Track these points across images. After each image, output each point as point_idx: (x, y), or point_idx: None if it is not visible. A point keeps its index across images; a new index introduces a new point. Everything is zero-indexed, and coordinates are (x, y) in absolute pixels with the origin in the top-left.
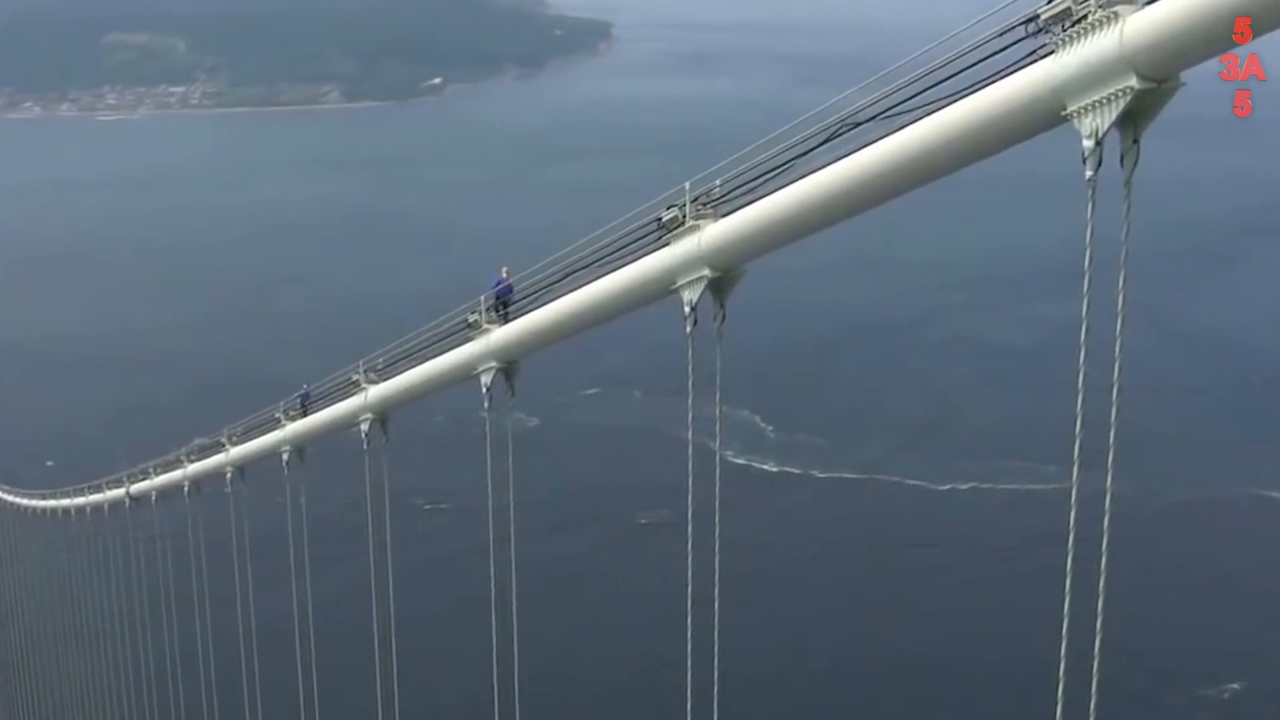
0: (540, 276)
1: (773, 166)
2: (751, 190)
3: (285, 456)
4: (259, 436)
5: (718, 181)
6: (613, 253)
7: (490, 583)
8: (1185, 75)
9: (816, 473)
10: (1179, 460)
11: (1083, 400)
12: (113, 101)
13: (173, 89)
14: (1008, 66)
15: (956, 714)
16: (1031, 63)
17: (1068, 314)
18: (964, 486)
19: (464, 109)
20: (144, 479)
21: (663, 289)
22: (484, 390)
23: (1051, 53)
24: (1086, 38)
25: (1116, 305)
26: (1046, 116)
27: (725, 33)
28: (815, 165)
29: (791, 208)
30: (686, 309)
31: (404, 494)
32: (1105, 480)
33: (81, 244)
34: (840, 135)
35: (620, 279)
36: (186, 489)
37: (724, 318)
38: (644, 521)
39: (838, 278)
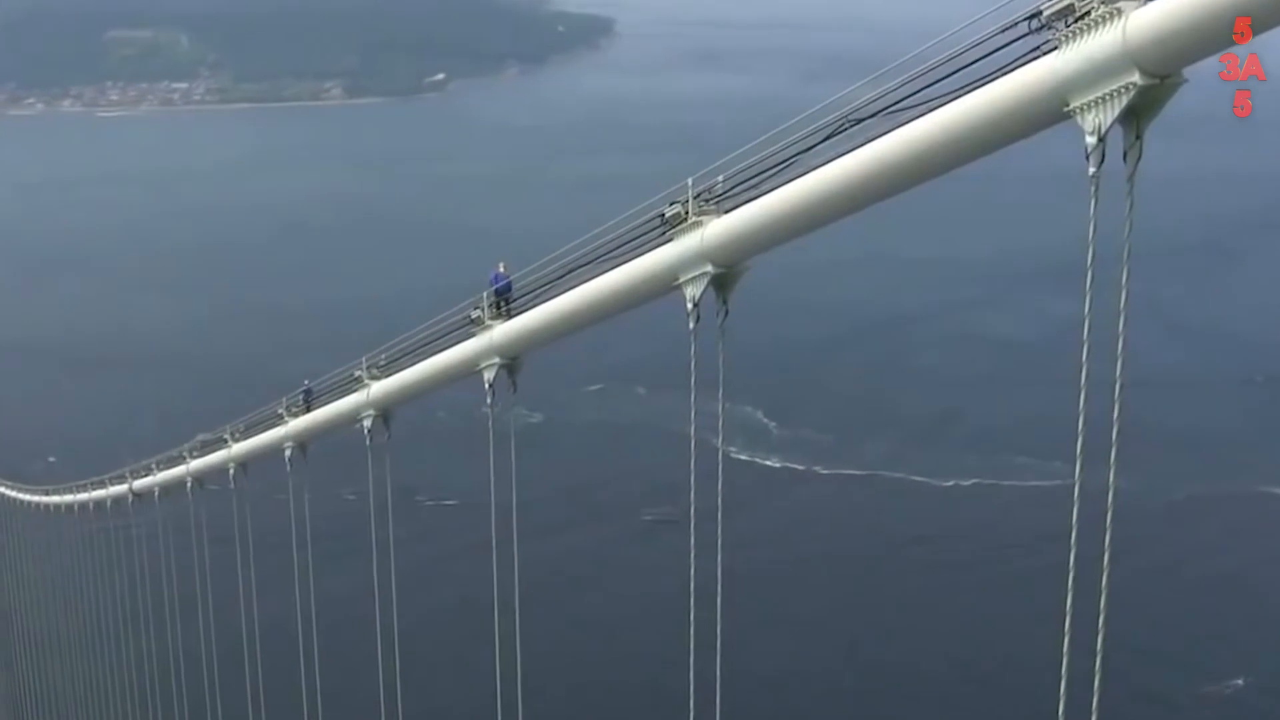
0: (543, 273)
1: (776, 162)
2: (754, 186)
3: (288, 452)
4: (262, 433)
5: (720, 178)
6: (615, 249)
7: (493, 580)
8: (1188, 71)
9: (820, 469)
10: (1183, 457)
11: (1085, 396)
12: (115, 97)
13: (175, 85)
14: (1011, 63)
15: (961, 711)
16: (1034, 59)
17: (1072, 310)
18: (967, 483)
19: (467, 105)
20: (147, 475)
21: (665, 285)
22: (487, 386)
23: (1054, 49)
24: (1089, 34)
25: (1120, 301)
26: (1049, 113)
27: (727, 29)
28: (818, 161)
29: (794, 204)
30: (689, 305)
31: (407, 490)
32: (1109, 477)
33: (83, 241)
34: (843, 131)
35: (623, 275)
36: (189, 485)
37: (727, 314)
38: (648, 518)
39: (841, 274)
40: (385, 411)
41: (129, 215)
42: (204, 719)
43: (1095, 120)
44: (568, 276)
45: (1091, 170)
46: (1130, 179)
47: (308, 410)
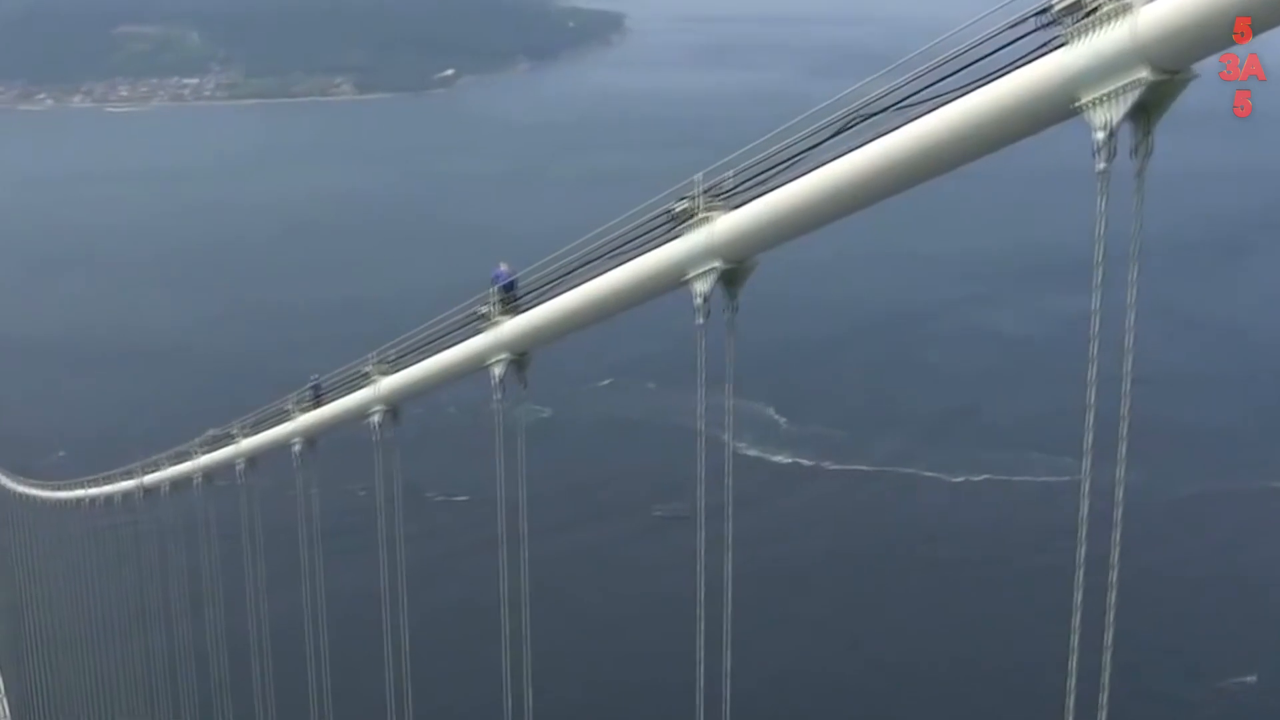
0: (552, 268)
1: (784, 158)
2: (763, 182)
3: (296, 448)
4: (270, 428)
5: (729, 173)
6: (624, 244)
7: (501, 576)
8: (1197, 67)
9: (830, 464)
10: (1192, 453)
11: (1094, 392)
12: (125, 93)
13: (186, 81)
14: (1020, 59)
15: (969, 709)
16: (1043, 55)
17: (1081, 306)
18: (978, 478)
19: (476, 101)
20: (156, 470)
21: (674, 281)
22: (495, 382)
23: (1063, 45)
24: (1098, 29)
25: (1128, 297)
26: (1059, 109)
27: (738, 24)
28: (827, 157)
29: (803, 200)
30: (698, 301)
31: (416, 486)
32: (1118, 473)
33: (93, 237)
34: (852, 127)
35: (632, 271)
36: (198, 480)
37: (736, 309)
38: (658, 514)
39: (849, 270)
40: (394, 407)
41: (139, 212)
42: (212, 714)
43: (1104, 116)
44: (577, 272)
45: (1100, 166)
46: (1139, 175)
47: (316, 406)
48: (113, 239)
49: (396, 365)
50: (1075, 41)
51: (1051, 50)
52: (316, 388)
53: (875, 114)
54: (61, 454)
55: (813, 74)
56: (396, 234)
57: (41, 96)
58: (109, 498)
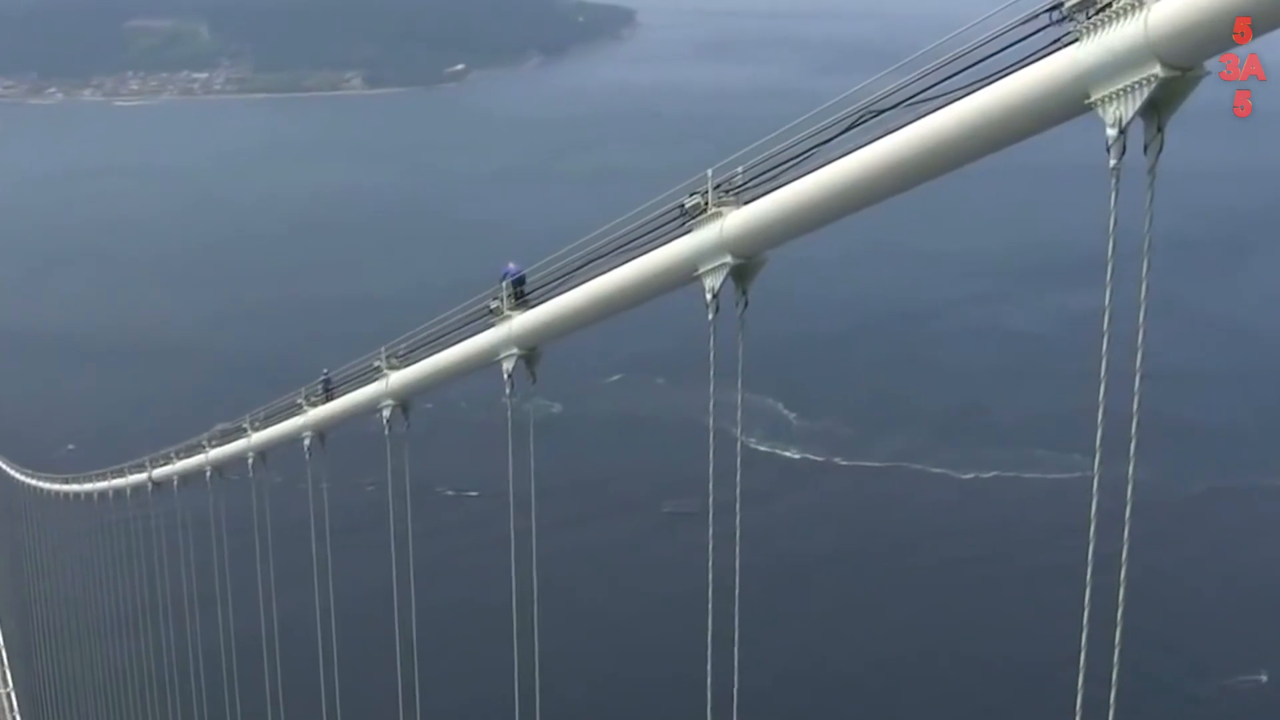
0: (562, 263)
1: (795, 154)
2: (774, 177)
3: (307, 442)
4: (280, 422)
5: (740, 169)
6: (635, 240)
7: (511, 571)
8: (1209, 64)
9: (840, 460)
10: (1202, 450)
11: (1105, 389)
12: (135, 87)
13: (196, 75)
14: (1031, 54)
15: (978, 705)
16: (1055, 51)
17: (1089, 303)
18: (987, 475)
19: (486, 96)
20: (166, 464)
21: (685, 276)
22: (505, 377)
23: (1075, 41)
24: (1110, 25)
25: (1139, 294)
26: (1070, 105)
27: (749, 20)
28: (838, 153)
29: (814, 195)
30: (709, 296)
31: (427, 480)
32: (1128, 470)
33: (103, 232)
34: (863, 123)
35: (642, 266)
36: (208, 474)
37: (746, 305)
38: (667, 509)
39: (860, 266)
40: (404, 401)
41: (149, 206)
42: (222, 710)
43: (1116, 113)
44: (587, 267)
45: (1112, 163)
46: (1151, 172)
47: (327, 400)
48: (123, 233)
49: (406, 360)
50: (1087, 38)
51: (1063, 46)
52: (327, 382)
53: (886, 110)
54: (70, 448)
55: (823, 70)
56: (406, 229)
57: (51, 90)
58: (118, 492)
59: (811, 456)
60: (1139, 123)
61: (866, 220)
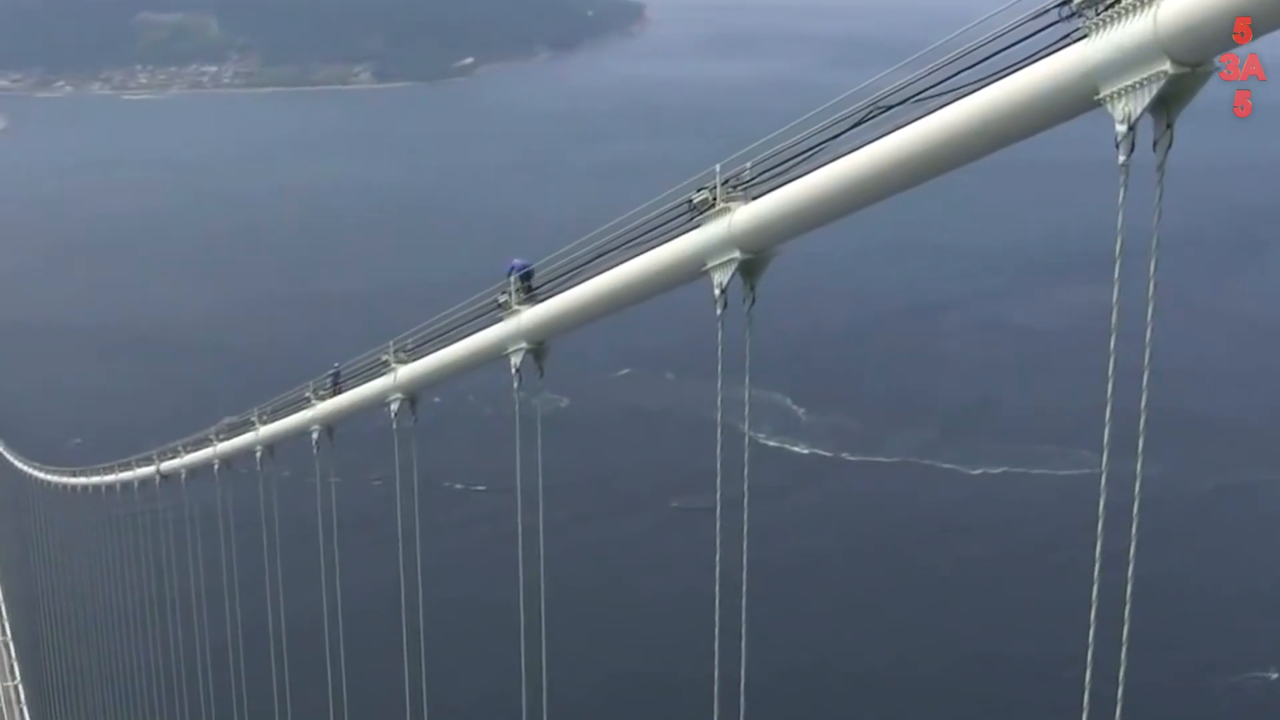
0: (570, 258)
1: (804, 149)
2: (782, 173)
3: (314, 436)
4: (288, 416)
5: (749, 164)
6: (643, 234)
7: (519, 566)
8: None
9: (848, 456)
10: (1212, 446)
11: (1113, 386)
12: (144, 80)
13: (204, 68)
14: (1040, 50)
15: (987, 701)
16: (1064, 47)
17: (1100, 299)
18: (996, 471)
19: (495, 90)
20: (174, 457)
21: (693, 271)
22: (513, 371)
23: (1085, 37)
24: (1120, 21)
25: (1148, 290)
26: (1079, 101)
27: (759, 14)
28: (847, 148)
29: (823, 190)
30: (716, 291)
31: (434, 475)
32: (1136, 466)
33: (111, 225)
34: (872, 118)
35: (650, 261)
36: (216, 467)
37: (754, 300)
38: (675, 504)
39: (869, 262)
40: (412, 395)
41: (157, 199)
42: (229, 704)
43: (1125, 109)
44: (594, 262)
45: (1121, 159)
46: (1160, 168)
47: (335, 393)
48: (132, 227)
49: (414, 354)
50: (1096, 34)
51: (1073, 43)
52: (336, 375)
53: (894, 105)
54: (78, 441)
55: (832, 65)
56: (415, 223)
57: (60, 84)
58: (125, 485)
59: (820, 452)
60: (1148, 119)
61: (875, 216)
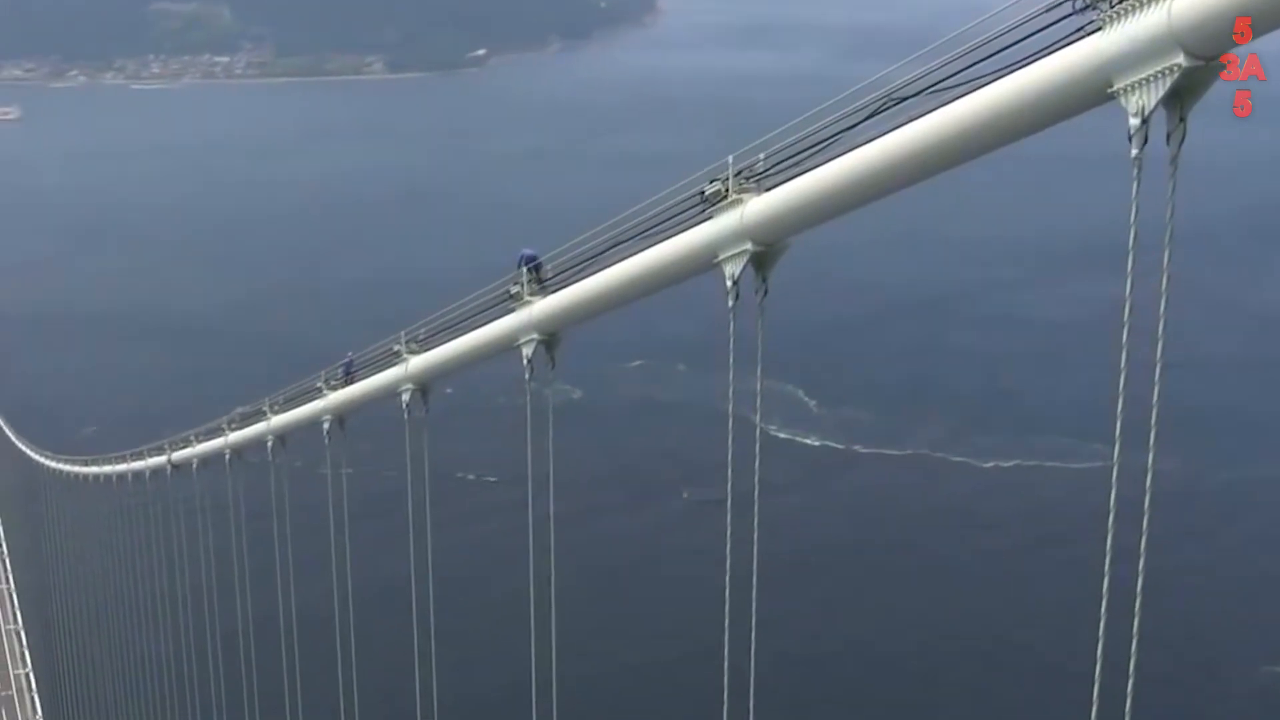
0: (583, 249)
1: (817, 141)
2: (795, 164)
3: (326, 426)
4: (300, 405)
5: (761, 155)
6: (655, 226)
7: (529, 557)
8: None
9: (860, 448)
10: (1227, 439)
11: (1125, 379)
12: (157, 70)
13: (218, 58)
14: (1054, 43)
15: (997, 695)
16: (1078, 40)
17: (1116, 292)
18: (1008, 464)
19: (508, 81)
20: (185, 446)
21: (705, 263)
22: (525, 362)
23: (1098, 30)
24: (1134, 14)
25: (1161, 283)
26: (1093, 94)
27: (772, 4)
28: (860, 140)
29: (835, 182)
30: (729, 283)
31: (446, 465)
32: (1149, 459)
33: (124, 214)
34: (885, 110)
35: (662, 252)
36: (227, 457)
37: (766, 292)
38: (687, 496)
39: (881, 254)
40: (424, 386)
41: (171, 189)
42: (240, 694)
43: (1139, 102)
44: (607, 253)
45: (1134, 152)
46: (1173, 161)
47: (348, 383)
48: (147, 216)
49: (426, 344)
50: (1110, 27)
51: (1087, 35)
52: (348, 365)
53: (909, 97)
54: (92, 429)
55: (845, 56)
56: (428, 213)
57: (74, 73)
58: (137, 474)
59: (832, 444)
60: (1161, 112)
61: (888, 208)
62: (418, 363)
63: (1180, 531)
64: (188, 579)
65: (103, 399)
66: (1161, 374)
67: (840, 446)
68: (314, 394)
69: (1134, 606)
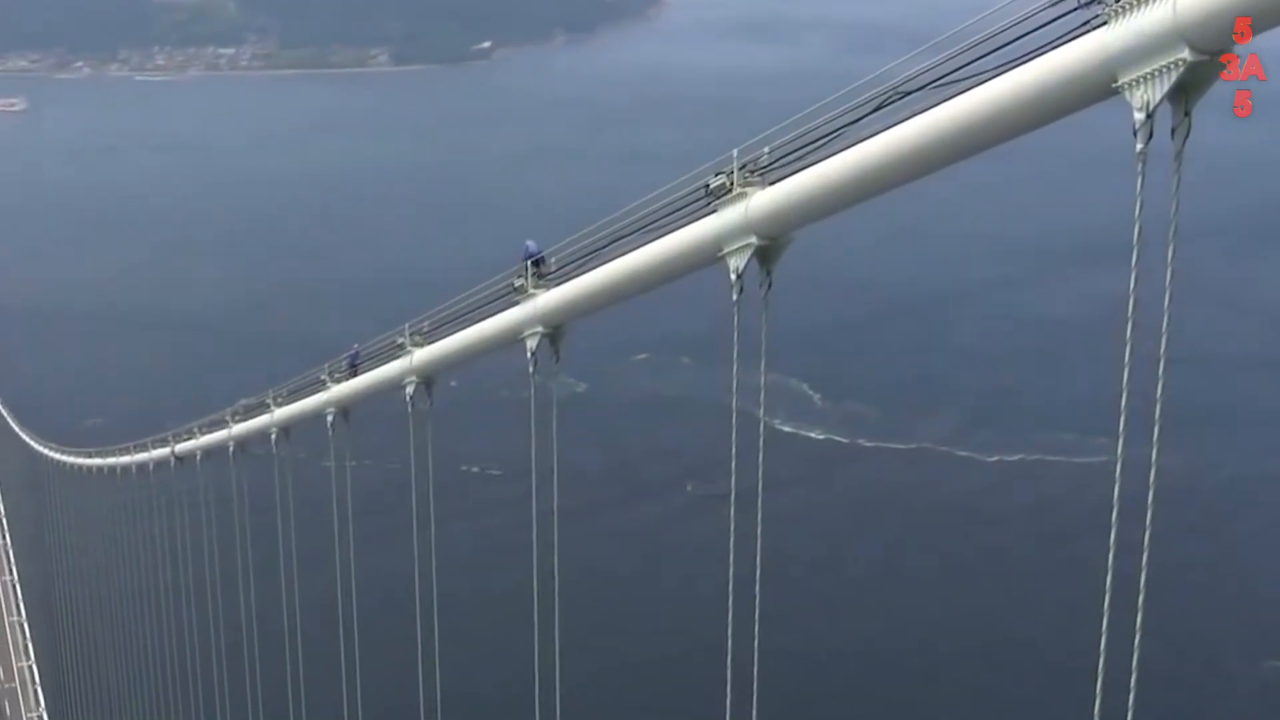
0: (587, 242)
1: (821, 135)
2: (800, 158)
3: (330, 418)
4: (304, 398)
5: (766, 149)
6: (659, 219)
7: (533, 551)
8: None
9: (864, 442)
10: (1230, 435)
11: (1129, 374)
12: (162, 62)
13: (222, 50)
14: (1059, 37)
15: (1002, 691)
16: (1083, 34)
17: (1120, 287)
18: (1012, 459)
19: (513, 74)
20: (189, 438)
21: (709, 256)
22: (529, 355)
23: (1104, 24)
24: (1139, 9)
25: (1165, 278)
26: (1098, 88)
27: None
28: (864, 134)
29: (839, 176)
30: (733, 277)
31: (450, 458)
32: (1152, 455)
33: (130, 206)
34: (890, 104)
35: (666, 246)
36: (231, 449)
37: (770, 286)
38: (690, 489)
39: (886, 248)
40: (428, 378)
41: (178, 181)
42: (243, 686)
43: (1143, 97)
44: (611, 246)
45: (1139, 147)
46: (1178, 156)
47: (353, 375)
48: (153, 208)
49: (430, 337)
50: (1115, 21)
51: (1091, 29)
52: (353, 357)
53: (913, 92)
54: (98, 421)
55: (850, 51)
56: (432, 206)
57: (79, 65)
58: (140, 466)
59: (836, 438)
60: (1166, 107)
61: (893, 202)
62: (422, 355)
63: (1183, 527)
64: (191, 571)
65: (106, 391)
66: (1165, 370)
67: (844, 441)
68: (318, 386)
69: (1137, 601)
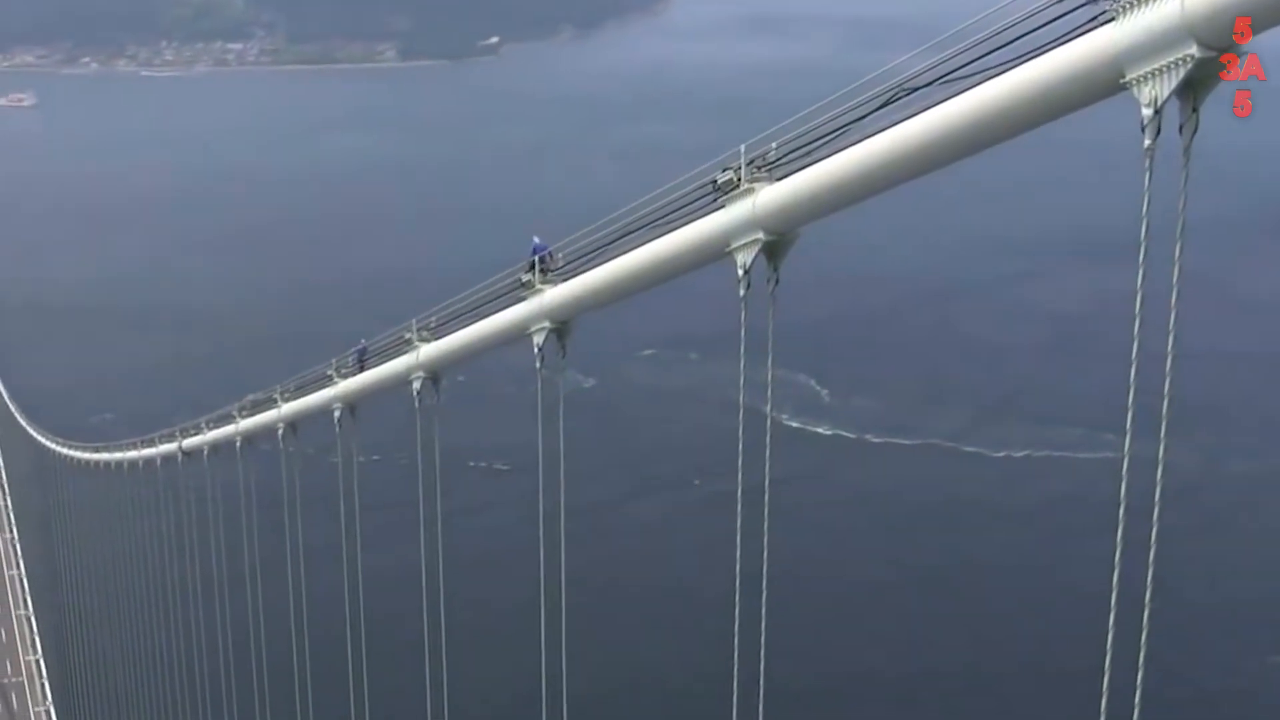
0: (595, 237)
1: (829, 130)
2: (807, 154)
3: (337, 414)
4: (311, 393)
5: (773, 144)
6: (667, 214)
7: (540, 545)
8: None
9: (871, 438)
10: (1238, 431)
11: (1137, 369)
12: (170, 57)
13: (230, 46)
14: (1067, 33)
15: (1005, 688)
16: (1091, 30)
17: (1129, 283)
18: (1019, 455)
19: (520, 69)
20: (197, 434)
21: (717, 252)
22: (536, 350)
23: (1112, 20)
24: (1147, 5)
25: (1173, 274)
26: (1106, 84)
27: None
28: (872, 130)
29: (847, 172)
30: (740, 272)
31: (457, 453)
32: (1159, 451)
33: (140, 201)
34: (897, 100)
35: (674, 241)
36: (239, 444)
37: (777, 281)
38: (697, 483)
39: (893, 243)
40: (435, 374)
41: (186, 177)
42: (250, 681)
43: (1152, 92)
44: (619, 241)
45: (1147, 143)
46: (1186, 152)
47: (360, 370)
48: (161, 203)
49: (438, 333)
50: (1123, 17)
51: (1099, 25)
52: (362, 352)
53: (920, 87)
54: (104, 416)
55: (858, 46)
56: (439, 202)
57: (86, 60)
58: (148, 461)
59: (843, 434)
60: (1174, 103)
61: (900, 198)
62: (429, 351)
63: (1192, 522)
64: (198, 566)
65: (114, 386)
66: (1174, 365)
67: (852, 436)
68: (325, 381)
69: (1144, 597)
